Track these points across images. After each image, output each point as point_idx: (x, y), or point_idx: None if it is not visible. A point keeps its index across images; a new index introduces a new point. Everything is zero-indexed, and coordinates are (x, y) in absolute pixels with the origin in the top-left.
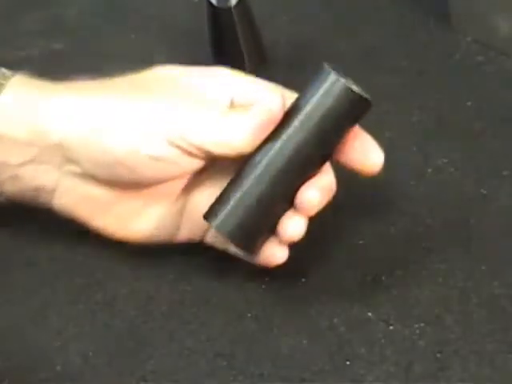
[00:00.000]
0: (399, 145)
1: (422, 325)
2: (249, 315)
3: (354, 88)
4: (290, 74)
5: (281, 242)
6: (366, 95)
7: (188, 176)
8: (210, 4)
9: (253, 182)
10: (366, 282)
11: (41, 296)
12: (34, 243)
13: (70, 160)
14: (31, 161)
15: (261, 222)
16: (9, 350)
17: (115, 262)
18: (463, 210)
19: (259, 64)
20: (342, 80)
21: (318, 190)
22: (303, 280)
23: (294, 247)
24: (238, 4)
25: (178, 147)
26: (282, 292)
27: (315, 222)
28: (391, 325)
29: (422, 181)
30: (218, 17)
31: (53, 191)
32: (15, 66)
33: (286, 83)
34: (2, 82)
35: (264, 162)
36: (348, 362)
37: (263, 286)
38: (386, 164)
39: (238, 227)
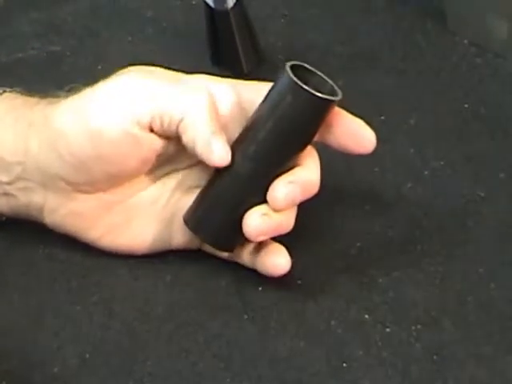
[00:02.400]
0: (396, 147)
1: (419, 327)
2: (246, 317)
3: (313, 89)
4: None
5: (248, 238)
6: (327, 96)
7: (153, 160)
8: (208, 6)
9: (225, 184)
10: (362, 284)
11: (38, 297)
12: (31, 244)
13: (50, 175)
14: (18, 179)
15: (236, 222)
16: (6, 352)
17: (113, 264)
18: (460, 213)
19: (256, 65)
20: (301, 84)
21: (287, 184)
22: (300, 282)
23: (290, 249)
24: (235, 6)
25: (139, 124)
26: (279, 294)
27: (312, 223)
28: (388, 327)
29: (419, 183)
30: (215, 19)
31: (42, 208)
32: (12, 68)
33: None
34: None
35: (234, 166)
36: (345, 364)
37: (260, 288)
38: (382, 166)
39: (214, 229)
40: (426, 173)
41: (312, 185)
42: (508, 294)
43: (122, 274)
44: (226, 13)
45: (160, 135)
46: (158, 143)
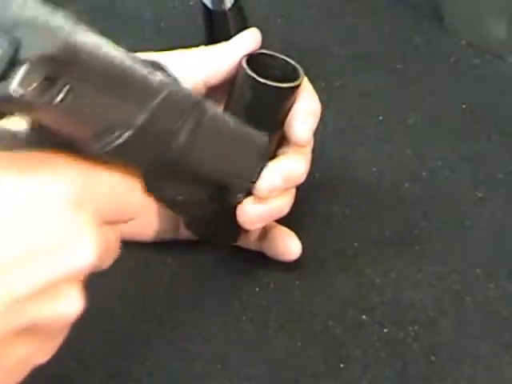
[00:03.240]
0: (394, 147)
1: (417, 327)
2: (244, 318)
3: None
4: None
5: (245, 227)
6: (286, 83)
7: None
8: (206, 7)
9: None
10: (360, 284)
11: None
12: None
13: None
14: None
15: (232, 216)
16: None
17: (112, 264)
18: (458, 213)
19: None
20: (254, 76)
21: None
22: (297, 282)
23: None
24: (232, 7)
25: None
26: (277, 295)
27: (310, 223)
28: (386, 327)
29: (416, 183)
30: (213, 20)
31: None
32: None
33: None
34: None
35: None
36: (342, 365)
37: (257, 289)
38: (380, 166)
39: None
40: (424, 173)
41: (296, 175)
42: (506, 295)
43: (121, 275)
44: (223, 14)
45: None
46: None
